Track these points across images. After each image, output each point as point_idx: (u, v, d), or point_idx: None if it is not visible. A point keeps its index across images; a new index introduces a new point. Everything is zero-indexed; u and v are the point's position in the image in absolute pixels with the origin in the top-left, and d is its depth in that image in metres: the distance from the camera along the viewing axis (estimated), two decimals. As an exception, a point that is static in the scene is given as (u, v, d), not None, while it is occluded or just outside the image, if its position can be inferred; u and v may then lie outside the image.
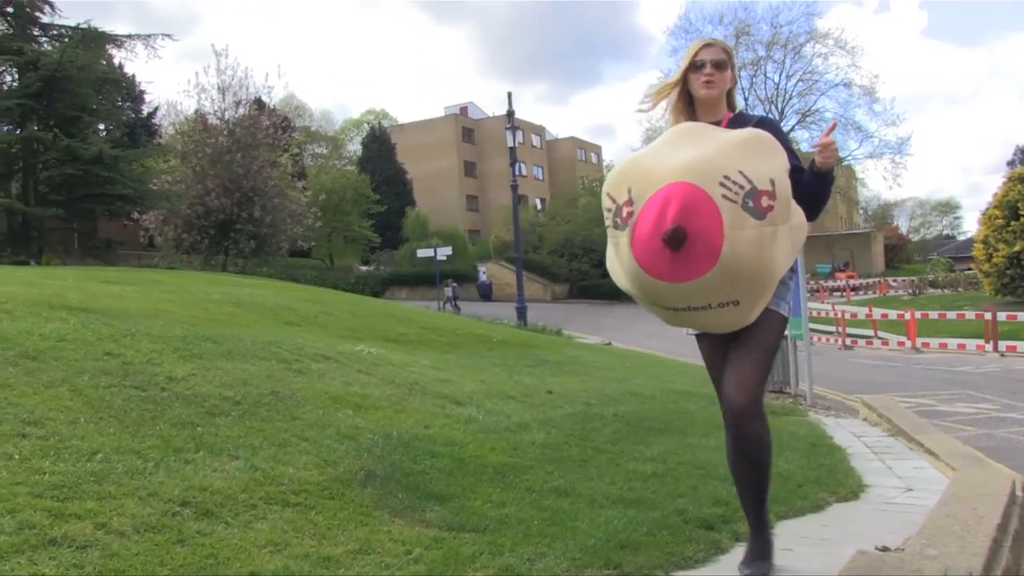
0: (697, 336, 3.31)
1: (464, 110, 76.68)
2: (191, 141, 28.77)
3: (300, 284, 23.79)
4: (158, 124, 41.80)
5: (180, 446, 3.96)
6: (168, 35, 27.59)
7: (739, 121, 3.22)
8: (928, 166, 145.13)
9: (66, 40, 24.88)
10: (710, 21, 53.63)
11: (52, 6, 24.99)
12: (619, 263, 3.07)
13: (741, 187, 2.80)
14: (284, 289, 15.05)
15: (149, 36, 26.69)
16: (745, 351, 3.05)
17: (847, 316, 23.73)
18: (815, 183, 3.08)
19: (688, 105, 3.29)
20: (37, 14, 24.79)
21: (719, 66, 3.20)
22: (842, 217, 65.77)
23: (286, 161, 32.08)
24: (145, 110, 42.31)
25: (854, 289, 44.86)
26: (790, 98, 52.44)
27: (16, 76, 24.23)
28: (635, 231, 2.89)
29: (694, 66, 3.22)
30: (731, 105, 3.35)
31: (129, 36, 26.48)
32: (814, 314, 21.23)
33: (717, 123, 3.21)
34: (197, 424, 4.34)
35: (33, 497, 3.04)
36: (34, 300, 6.93)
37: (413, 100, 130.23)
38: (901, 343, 20.68)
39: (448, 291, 38.74)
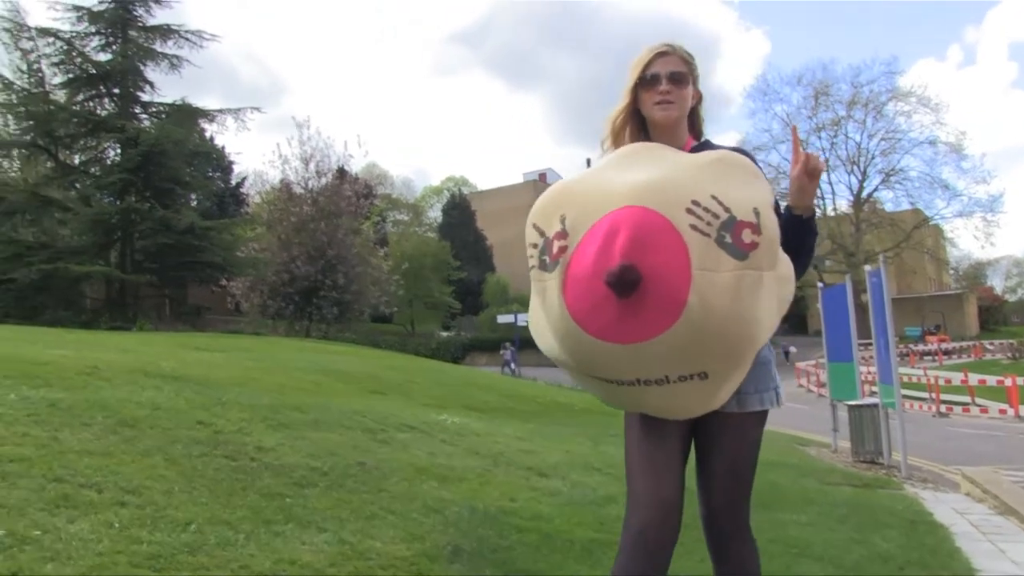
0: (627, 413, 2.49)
1: (543, 176, 77.51)
2: (276, 210, 29.76)
3: (382, 350, 24.09)
4: (245, 193, 43.35)
5: (270, 517, 4.00)
6: (256, 108, 28.60)
7: (706, 150, 2.49)
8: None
9: (163, 116, 26.05)
10: (787, 83, 53.41)
11: (152, 85, 26.27)
12: (545, 317, 2.25)
13: (715, 215, 2.06)
14: (367, 356, 15.25)
15: (239, 110, 27.74)
16: (717, 465, 2.43)
17: (941, 382, 22.90)
18: (795, 229, 2.34)
19: (640, 131, 2.55)
20: (138, 93, 26.08)
21: (677, 80, 2.47)
22: (931, 278, 64.10)
23: (368, 228, 32.79)
24: (233, 180, 43.89)
25: (947, 353, 43.43)
26: (873, 158, 51.58)
27: (118, 151, 25.42)
28: (569, 271, 2.11)
29: (644, 81, 2.49)
30: (695, 130, 2.63)
31: (220, 111, 27.53)
32: (905, 379, 20.56)
33: None
34: (286, 495, 4.38)
35: (132, 567, 3.11)
36: (131, 367, 7.15)
37: (492, 167, 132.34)
38: (1003, 411, 19.78)
39: (506, 354, 38.67)
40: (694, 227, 2.03)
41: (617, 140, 2.56)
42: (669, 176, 2.16)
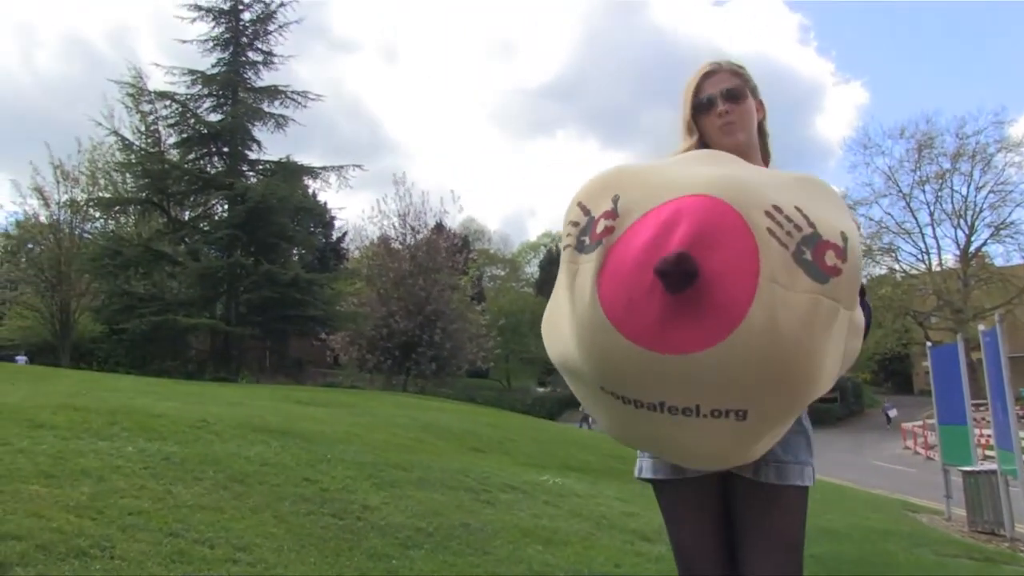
0: (656, 482, 2.12)
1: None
2: (375, 265, 30.33)
3: (479, 405, 24.15)
4: (345, 248, 44.36)
5: (377, 579, 3.99)
6: (358, 165, 29.66)
7: None
8: None
9: (269, 174, 27.04)
10: (889, 136, 52.16)
11: (259, 143, 27.37)
12: (569, 307, 1.78)
13: (798, 227, 1.68)
14: (465, 412, 15.31)
15: (341, 167, 28.64)
16: (762, 543, 2.01)
17: (1062, 448, 21.69)
18: None
19: None
20: (246, 151, 27.18)
21: (734, 97, 2.17)
22: (1048, 336, 61.37)
23: (466, 284, 33.13)
24: (335, 235, 44.98)
25: (1066, 417, 41.23)
26: (980, 211, 49.75)
27: (226, 208, 26.44)
28: (610, 255, 1.70)
29: (701, 108, 2.20)
30: (764, 148, 2.29)
31: (324, 168, 28.45)
32: None
33: None
34: (392, 556, 4.38)
35: (244, 627, 3.12)
36: (238, 421, 7.31)
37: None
38: None
39: (584, 408, 38.33)
40: (771, 232, 1.66)
41: None
42: (750, 176, 1.83)
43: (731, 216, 1.65)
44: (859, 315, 1.84)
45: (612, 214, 1.76)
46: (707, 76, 2.21)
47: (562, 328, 1.83)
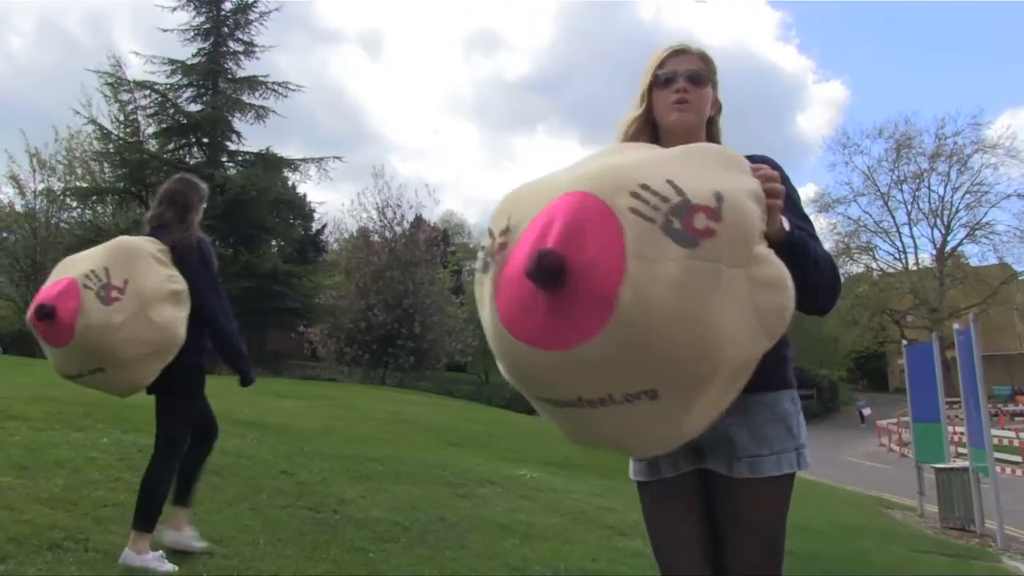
0: (640, 484, 2.18)
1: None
2: (354, 258, 30.23)
3: (457, 399, 24.14)
4: (325, 240, 44.16)
5: (353, 573, 3.99)
6: (338, 157, 29.25)
7: None
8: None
9: (249, 165, 26.89)
10: (868, 135, 52.58)
11: (239, 134, 27.18)
12: (485, 323, 1.90)
13: (665, 199, 1.67)
14: (444, 406, 15.32)
15: (321, 159, 28.48)
16: (736, 541, 2.04)
17: (1035, 445, 21.94)
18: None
19: (653, 142, 2.20)
20: (226, 143, 27.00)
21: (696, 80, 2.18)
22: (1021, 335, 61.89)
23: (445, 277, 33.07)
24: (314, 227, 44.76)
25: (1039, 414, 41.69)
26: (957, 211, 50.17)
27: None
28: (503, 269, 1.79)
29: (659, 82, 2.20)
30: (714, 142, 2.25)
31: (304, 160, 28.33)
32: (995, 442, 19.76)
33: None
34: (368, 550, 4.37)
35: (220, 620, 3.11)
36: (216, 414, 7.26)
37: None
38: (1104, 477, 18.86)
39: None
40: (635, 210, 1.66)
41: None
42: (623, 162, 1.82)
43: (595, 206, 1.67)
44: (768, 270, 1.74)
45: (505, 231, 1.83)
46: (674, 54, 2.21)
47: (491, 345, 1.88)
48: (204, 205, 4.23)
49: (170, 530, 3.81)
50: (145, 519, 3.56)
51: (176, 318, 3.62)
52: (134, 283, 3.53)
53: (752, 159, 1.99)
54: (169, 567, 3.55)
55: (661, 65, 2.20)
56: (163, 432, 3.85)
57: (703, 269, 1.63)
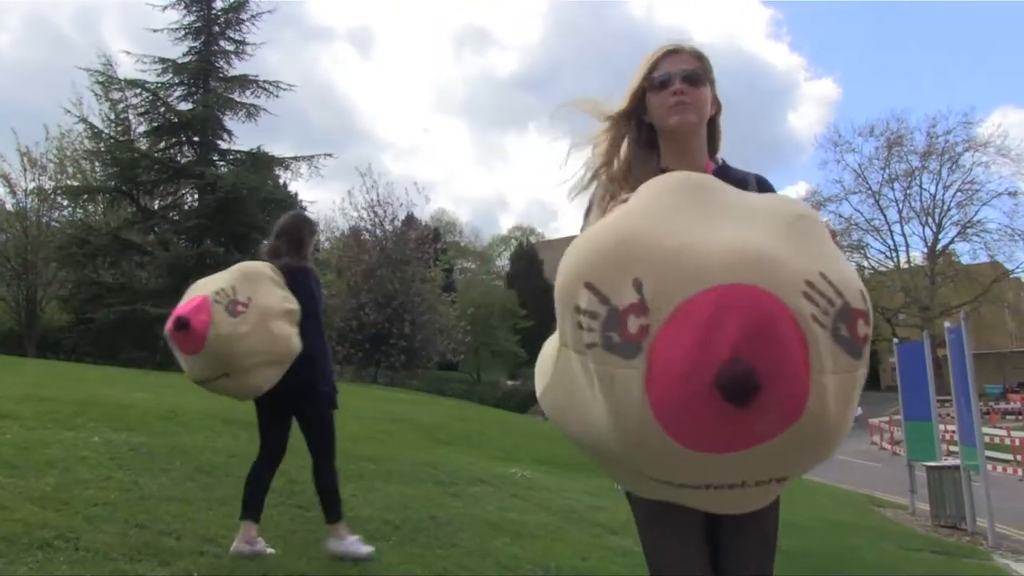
0: (631, 497, 2.09)
1: (610, 226, 77.31)
2: (345, 257, 30.22)
3: (448, 398, 24.16)
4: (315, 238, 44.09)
5: (343, 572, 4.01)
6: (329, 154, 29.16)
7: (727, 176, 2.04)
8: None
9: (240, 164, 26.81)
10: (860, 133, 52.57)
11: (230, 133, 27.11)
12: (607, 408, 1.62)
13: (831, 302, 1.59)
14: (436, 405, 15.33)
15: (312, 157, 28.40)
16: (742, 544, 2.05)
17: (1027, 443, 21.99)
18: None
19: (645, 145, 2.13)
20: (217, 141, 26.93)
21: (692, 80, 2.08)
22: (1012, 334, 62.06)
23: (436, 275, 33.05)
24: (306, 226, 44.65)
25: (1031, 412, 41.81)
26: (948, 209, 50.26)
27: (196, 197, 26.23)
28: (652, 360, 1.54)
29: (653, 85, 2.10)
30: (712, 146, 2.20)
31: (295, 158, 28.22)
32: (987, 440, 19.82)
33: None
34: (360, 548, 4.38)
35: (210, 619, 3.12)
36: (207, 412, 7.28)
37: (561, 216, 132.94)
38: (1095, 475, 18.92)
39: None
40: (815, 318, 1.56)
41: (612, 150, 2.14)
42: (769, 243, 1.65)
43: (778, 309, 1.54)
44: None
45: (641, 308, 1.58)
46: (668, 55, 2.12)
47: (590, 419, 1.69)
48: (316, 238, 4.83)
49: (333, 540, 4.22)
50: (334, 511, 4.26)
51: (292, 332, 4.17)
52: (256, 300, 4.06)
53: (744, 176, 2.09)
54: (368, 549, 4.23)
55: (655, 67, 2.11)
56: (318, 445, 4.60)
57: (861, 376, 1.67)
